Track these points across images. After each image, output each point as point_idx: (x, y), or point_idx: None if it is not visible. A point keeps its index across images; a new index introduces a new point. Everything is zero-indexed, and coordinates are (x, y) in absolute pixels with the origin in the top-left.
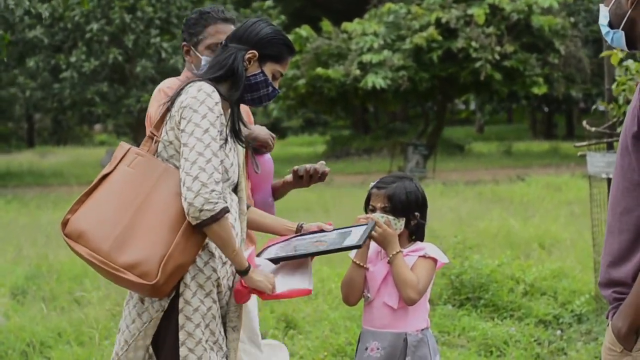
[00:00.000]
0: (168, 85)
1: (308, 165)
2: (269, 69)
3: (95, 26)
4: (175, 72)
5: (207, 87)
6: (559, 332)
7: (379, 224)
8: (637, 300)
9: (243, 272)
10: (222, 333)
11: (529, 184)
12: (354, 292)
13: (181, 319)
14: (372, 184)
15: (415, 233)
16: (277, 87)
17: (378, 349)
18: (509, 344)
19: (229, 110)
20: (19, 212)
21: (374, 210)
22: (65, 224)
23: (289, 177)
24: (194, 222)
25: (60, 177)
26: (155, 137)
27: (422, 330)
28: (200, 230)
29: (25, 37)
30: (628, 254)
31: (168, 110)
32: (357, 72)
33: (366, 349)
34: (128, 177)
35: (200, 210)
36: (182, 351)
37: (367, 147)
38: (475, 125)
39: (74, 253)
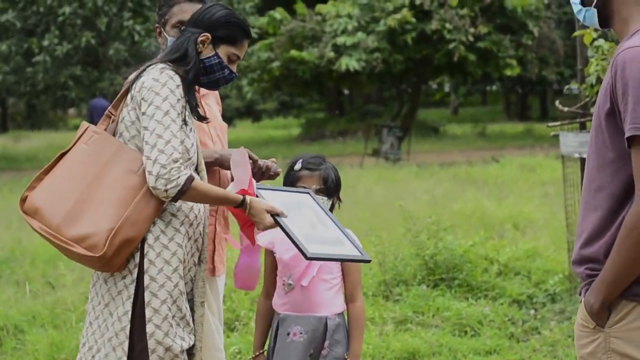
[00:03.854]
0: None
1: (261, 162)
2: (223, 51)
3: (67, 9)
4: (149, 55)
5: (169, 70)
6: (532, 311)
7: None
8: (609, 277)
9: (240, 205)
10: (188, 309)
11: (503, 165)
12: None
13: (147, 295)
14: (299, 164)
15: None
16: (234, 71)
17: (301, 333)
18: (483, 323)
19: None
20: None
21: None
22: (24, 200)
23: None
24: (168, 201)
25: (35, 161)
26: (112, 117)
27: (339, 314)
28: (151, 206)
29: None
30: (601, 231)
31: (128, 90)
32: (332, 54)
33: (288, 334)
34: (83, 155)
35: (166, 191)
36: (149, 328)
37: (342, 130)
38: (450, 107)
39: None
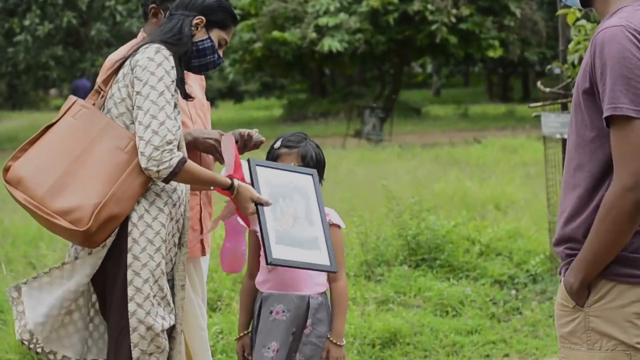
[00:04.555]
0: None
1: (243, 130)
2: (215, 35)
3: None
4: (131, 36)
5: (165, 50)
6: (514, 291)
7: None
8: (589, 256)
9: (228, 188)
10: (169, 289)
11: (485, 146)
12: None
13: (129, 274)
14: (278, 143)
15: None
16: (221, 56)
17: (283, 311)
18: (464, 303)
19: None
20: None
21: None
22: (7, 170)
23: None
24: (159, 181)
25: (15, 141)
26: (102, 92)
27: (322, 293)
28: (137, 184)
29: None
30: (580, 210)
31: (120, 67)
32: (314, 35)
33: (271, 312)
34: (71, 128)
35: (158, 172)
36: (131, 306)
37: (324, 111)
38: (432, 88)
39: (17, 203)
